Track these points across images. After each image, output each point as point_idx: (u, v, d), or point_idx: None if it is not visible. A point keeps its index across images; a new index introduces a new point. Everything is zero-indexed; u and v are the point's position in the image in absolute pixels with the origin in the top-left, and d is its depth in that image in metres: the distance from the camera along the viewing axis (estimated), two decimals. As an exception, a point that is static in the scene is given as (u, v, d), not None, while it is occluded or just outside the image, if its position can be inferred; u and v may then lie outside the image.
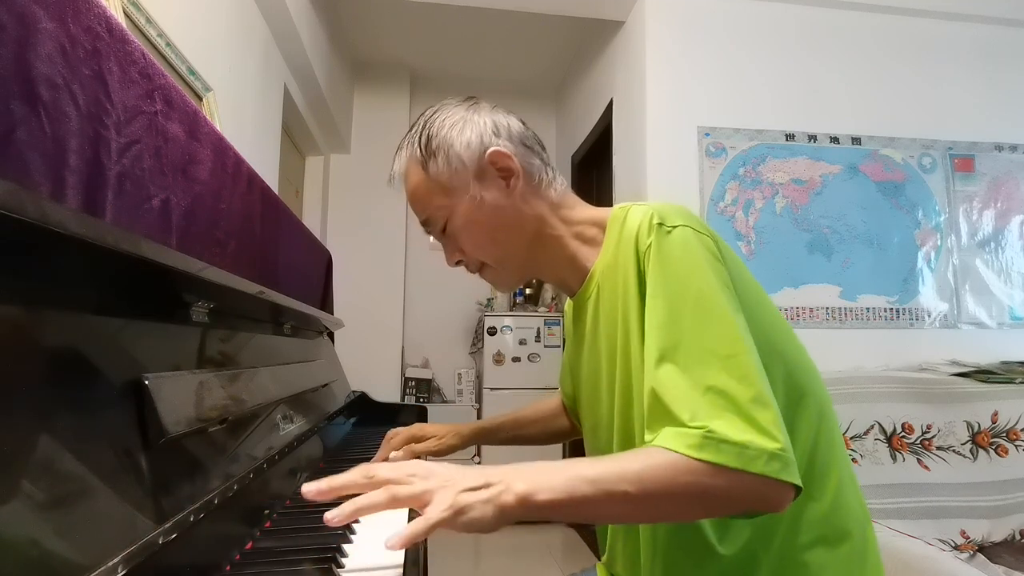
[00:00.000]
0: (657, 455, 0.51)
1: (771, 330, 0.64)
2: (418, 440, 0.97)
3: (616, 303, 0.66)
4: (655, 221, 0.61)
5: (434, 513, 0.46)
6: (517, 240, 0.73)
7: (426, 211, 0.73)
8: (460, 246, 0.74)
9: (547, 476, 0.50)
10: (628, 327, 0.64)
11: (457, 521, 0.47)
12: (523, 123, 0.75)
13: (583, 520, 0.54)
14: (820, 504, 0.63)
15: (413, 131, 0.73)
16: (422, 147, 0.71)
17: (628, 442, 0.66)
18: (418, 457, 0.94)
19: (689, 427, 0.51)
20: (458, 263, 0.76)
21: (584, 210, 0.75)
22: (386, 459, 0.93)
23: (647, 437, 0.55)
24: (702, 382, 0.53)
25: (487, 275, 0.76)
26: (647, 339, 0.58)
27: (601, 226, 0.72)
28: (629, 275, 0.63)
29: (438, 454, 0.96)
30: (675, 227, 0.60)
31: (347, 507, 0.48)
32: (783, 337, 0.66)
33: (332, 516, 0.48)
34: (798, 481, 0.51)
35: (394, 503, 0.48)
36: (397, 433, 0.97)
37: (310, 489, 0.50)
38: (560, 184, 0.75)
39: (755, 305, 0.64)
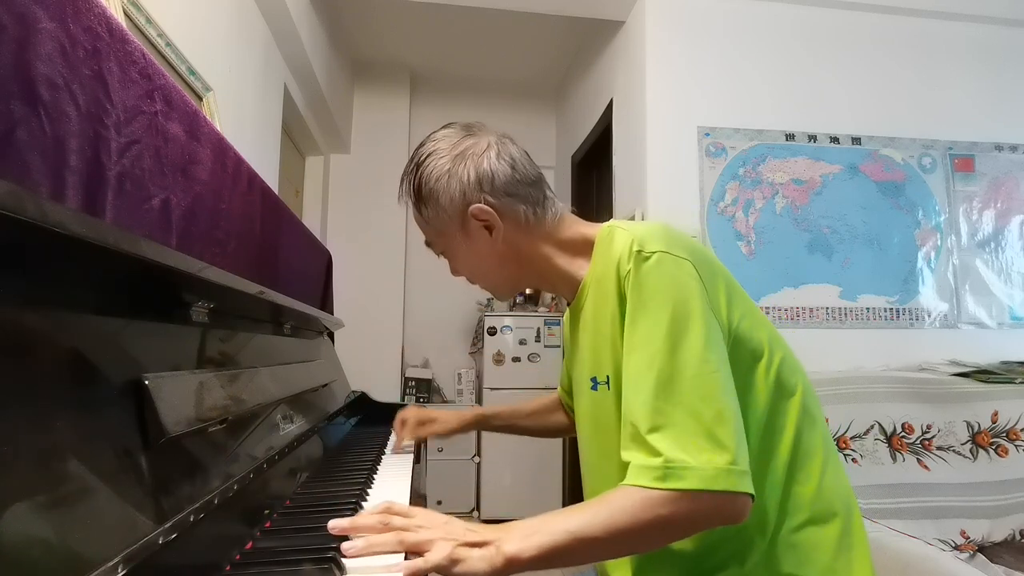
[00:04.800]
0: (624, 496, 0.56)
1: (758, 332, 0.69)
2: (424, 423, 1.11)
3: (599, 320, 0.71)
4: (635, 248, 0.65)
5: (434, 557, 0.53)
6: (501, 273, 0.80)
7: (425, 236, 0.82)
8: (455, 269, 0.84)
9: (532, 536, 0.56)
10: (605, 346, 0.70)
11: (451, 569, 0.54)
12: (513, 164, 0.75)
13: (570, 566, 0.60)
14: (807, 487, 0.68)
15: (409, 169, 0.78)
16: (414, 192, 0.77)
17: (599, 448, 0.75)
18: (424, 441, 1.12)
19: (651, 460, 0.56)
20: (459, 275, 0.85)
21: (576, 227, 0.79)
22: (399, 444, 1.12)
23: (623, 455, 0.60)
24: (670, 400, 0.58)
25: (484, 289, 0.86)
26: (625, 360, 0.63)
27: (590, 242, 0.76)
28: (612, 297, 0.68)
29: (439, 435, 1.12)
30: (653, 253, 0.64)
31: (361, 543, 0.55)
32: (770, 337, 0.70)
33: (348, 547, 0.55)
34: (751, 490, 0.56)
35: (400, 547, 0.56)
36: (408, 418, 1.12)
37: (336, 525, 0.58)
38: (553, 212, 0.78)
39: (742, 310, 0.68)
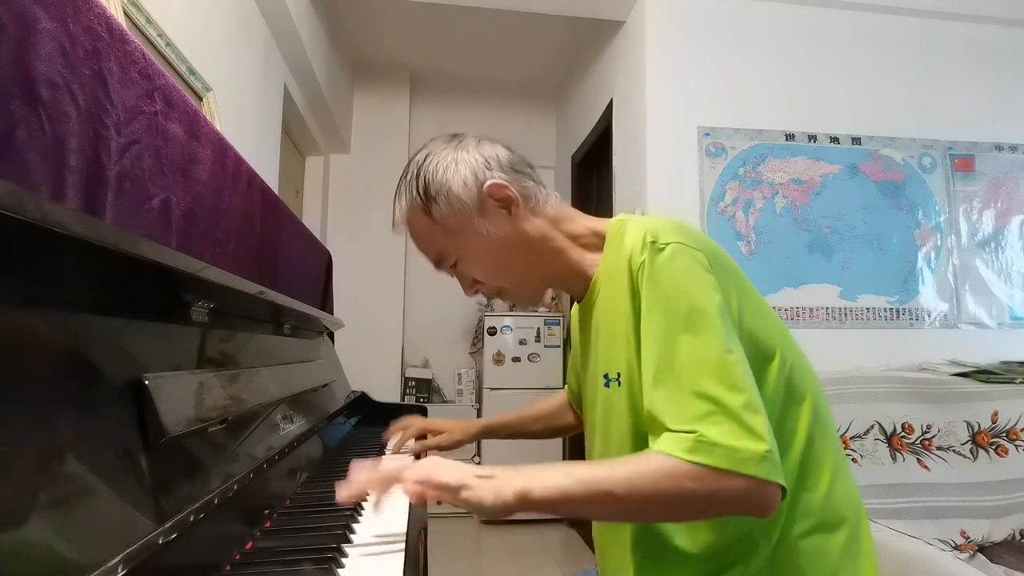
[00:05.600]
0: (650, 459, 0.55)
1: (769, 333, 0.67)
2: (428, 434, 1.11)
3: (613, 316, 0.69)
4: (648, 239, 0.63)
5: (443, 476, 0.54)
6: (528, 262, 0.76)
7: (435, 252, 0.76)
8: (475, 277, 0.77)
9: (544, 476, 0.55)
10: (618, 342, 0.68)
11: (459, 494, 0.53)
12: (509, 147, 0.77)
13: (577, 517, 0.58)
14: (815, 493, 0.67)
15: (408, 178, 0.75)
16: (421, 194, 0.73)
17: (607, 446, 0.72)
18: (422, 454, 1.08)
19: (682, 432, 0.54)
20: (476, 292, 0.79)
21: (584, 221, 0.78)
22: (398, 446, 1.09)
23: (650, 444, 0.58)
24: (696, 392, 0.56)
25: (507, 297, 0.80)
26: (644, 354, 0.62)
27: (601, 236, 0.75)
28: (624, 291, 0.66)
29: (445, 448, 1.07)
30: (667, 244, 0.62)
31: (362, 476, 0.56)
32: (782, 339, 0.69)
33: (343, 489, 0.55)
34: (784, 482, 0.54)
35: (401, 479, 0.56)
36: (411, 425, 1.11)
37: (341, 495, 0.57)
38: (555, 199, 0.78)
39: (754, 310, 0.67)
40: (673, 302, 0.60)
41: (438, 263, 0.77)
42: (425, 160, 0.74)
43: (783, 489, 0.54)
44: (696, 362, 0.57)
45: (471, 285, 0.78)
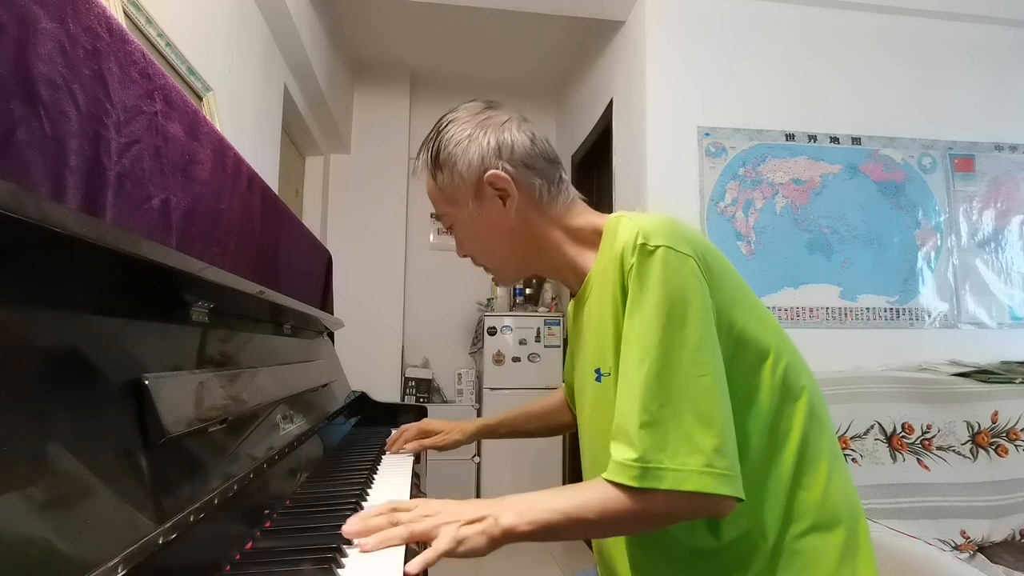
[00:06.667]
0: (609, 489, 0.60)
1: (763, 333, 0.68)
2: (426, 435, 1.11)
3: (603, 313, 0.70)
4: (639, 241, 0.64)
5: (441, 544, 0.57)
6: (511, 250, 0.79)
7: (436, 210, 0.82)
8: (463, 246, 0.82)
9: (527, 511, 0.60)
10: (608, 338, 0.69)
11: (458, 550, 0.57)
12: (533, 138, 0.77)
13: (560, 540, 0.64)
14: (811, 493, 0.67)
15: (431, 136, 0.78)
16: (432, 158, 0.77)
17: (596, 439, 0.74)
18: (422, 451, 1.11)
19: (629, 458, 0.59)
20: (465, 255, 0.84)
21: (587, 216, 0.79)
22: (397, 448, 1.11)
23: (611, 449, 0.62)
24: (656, 400, 0.59)
25: (489, 271, 0.84)
26: (621, 354, 0.63)
27: (599, 232, 0.75)
28: (615, 289, 0.67)
29: (443, 448, 1.09)
30: (657, 248, 0.63)
31: (373, 540, 0.57)
32: (776, 339, 0.69)
33: (364, 544, 0.57)
34: (729, 492, 0.57)
35: (411, 538, 0.58)
36: (408, 428, 1.12)
37: (348, 530, 0.59)
38: (566, 195, 0.79)
39: (748, 310, 0.68)
40: (652, 308, 0.61)
41: (438, 219, 0.85)
42: (448, 125, 0.77)
43: (734, 498, 0.58)
44: (662, 370, 0.59)
45: (461, 248, 0.83)
